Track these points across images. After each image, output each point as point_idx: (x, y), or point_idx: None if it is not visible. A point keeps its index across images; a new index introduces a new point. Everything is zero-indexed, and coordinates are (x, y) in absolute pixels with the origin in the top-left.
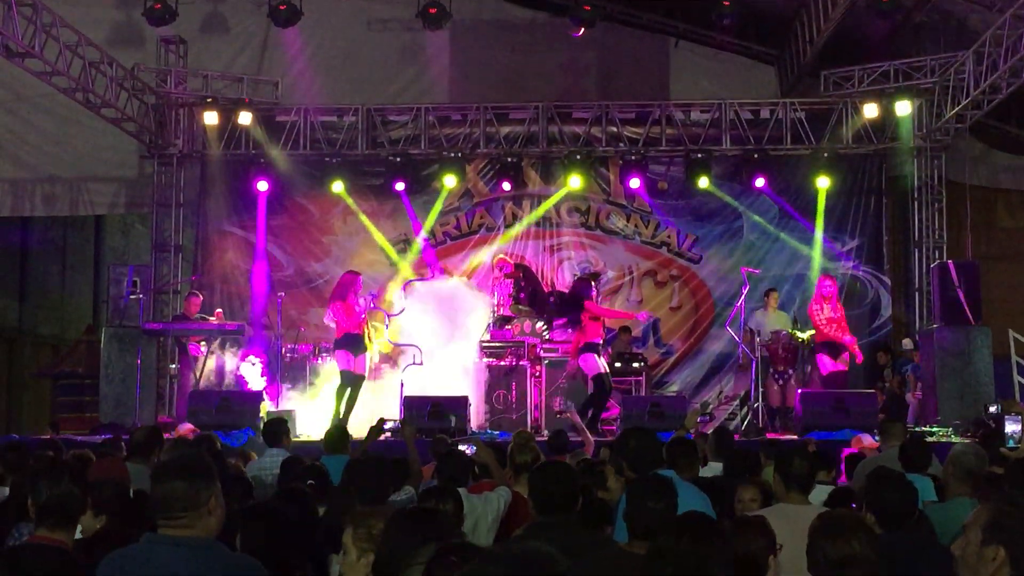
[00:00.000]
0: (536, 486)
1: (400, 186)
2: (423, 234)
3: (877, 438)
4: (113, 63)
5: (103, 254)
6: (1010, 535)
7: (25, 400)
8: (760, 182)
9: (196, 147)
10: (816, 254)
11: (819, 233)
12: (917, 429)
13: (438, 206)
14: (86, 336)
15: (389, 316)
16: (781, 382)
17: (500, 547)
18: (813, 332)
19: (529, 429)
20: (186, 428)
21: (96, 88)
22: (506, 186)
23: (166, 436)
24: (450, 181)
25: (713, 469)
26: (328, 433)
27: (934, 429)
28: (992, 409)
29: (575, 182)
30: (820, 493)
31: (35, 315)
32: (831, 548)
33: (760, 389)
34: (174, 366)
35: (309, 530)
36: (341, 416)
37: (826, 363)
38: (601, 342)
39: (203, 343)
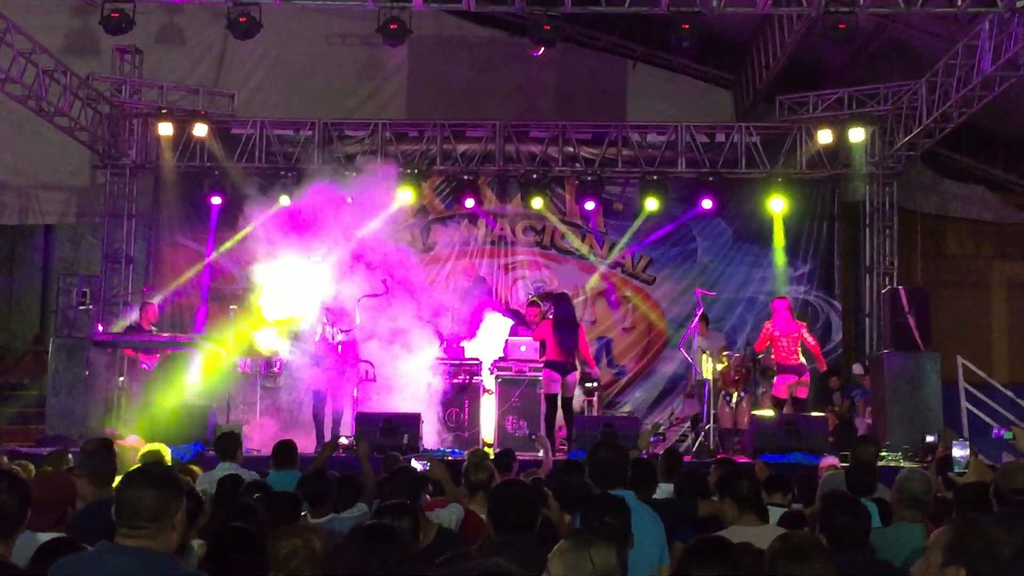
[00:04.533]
0: (495, 505)
1: (349, 199)
2: None
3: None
4: (67, 71)
5: (52, 264)
6: (971, 556)
7: None
8: (707, 203)
9: (149, 158)
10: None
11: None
12: None
13: None
14: (33, 347)
15: (344, 332)
16: (733, 404)
17: (462, 563)
18: (764, 355)
19: (482, 447)
20: (132, 441)
21: (49, 96)
22: (469, 203)
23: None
24: (406, 196)
25: (663, 491)
26: (276, 448)
27: (883, 454)
28: (929, 439)
29: (536, 203)
30: (772, 515)
31: None
32: (793, 570)
33: (712, 411)
34: (122, 379)
35: (264, 546)
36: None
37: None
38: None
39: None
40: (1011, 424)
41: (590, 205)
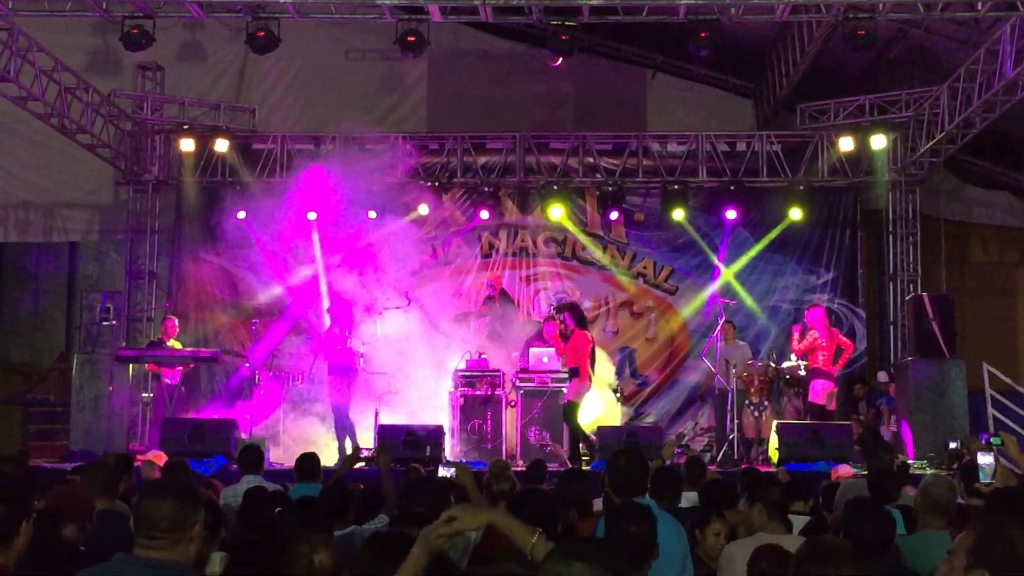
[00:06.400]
0: (515, 512)
1: (372, 214)
2: None
3: (856, 468)
4: (89, 89)
5: (76, 281)
6: (994, 560)
7: None
8: (731, 214)
9: (172, 174)
10: None
11: None
12: None
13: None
14: (58, 363)
15: (364, 343)
16: (756, 414)
17: (479, 571)
18: (792, 364)
19: (505, 459)
20: (155, 455)
21: (72, 114)
22: (484, 214)
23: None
24: (424, 209)
25: (687, 499)
26: (299, 461)
27: (908, 461)
28: (952, 445)
29: (556, 212)
30: (796, 524)
31: (6, 342)
32: (820, 573)
33: (735, 420)
34: (147, 395)
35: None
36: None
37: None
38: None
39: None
40: None
41: (613, 215)
